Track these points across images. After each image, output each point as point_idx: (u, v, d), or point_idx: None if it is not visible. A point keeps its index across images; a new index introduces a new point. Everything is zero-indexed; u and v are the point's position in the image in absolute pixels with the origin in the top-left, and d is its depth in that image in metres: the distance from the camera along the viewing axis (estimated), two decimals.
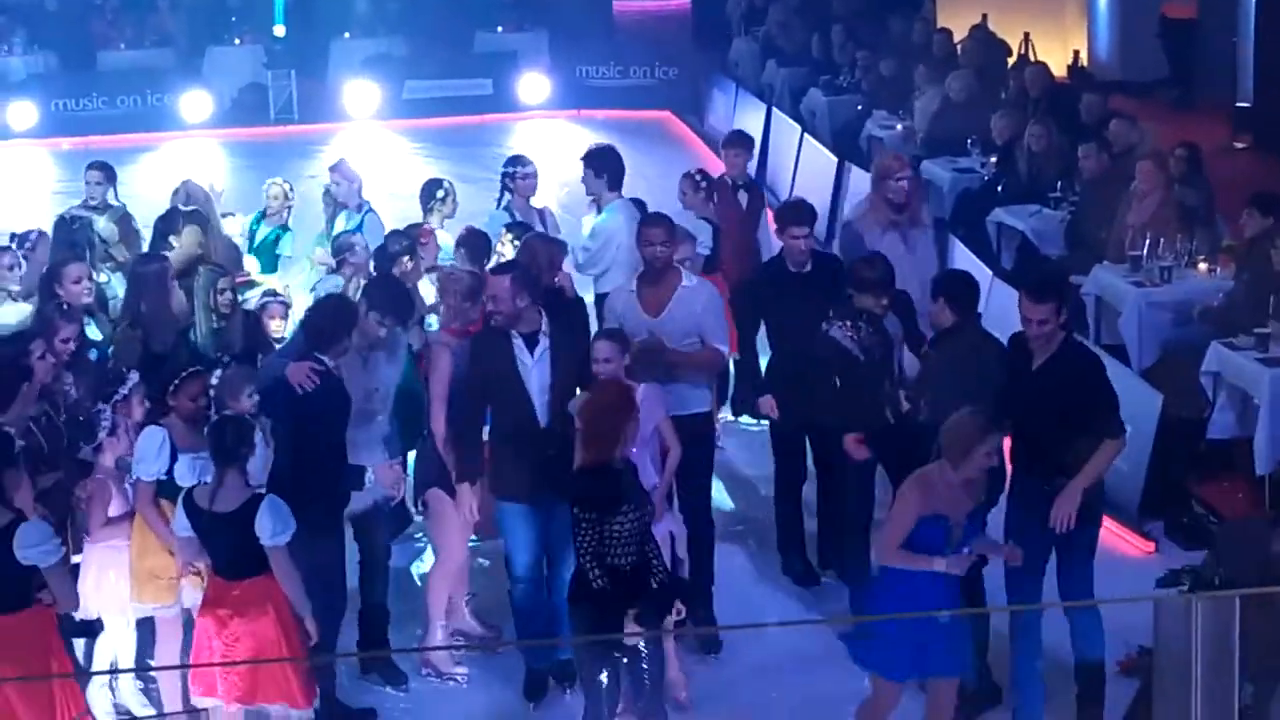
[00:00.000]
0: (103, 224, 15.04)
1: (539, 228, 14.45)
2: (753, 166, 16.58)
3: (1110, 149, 17.27)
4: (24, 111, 27.37)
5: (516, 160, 15.32)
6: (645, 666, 9.73)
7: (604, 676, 9.68)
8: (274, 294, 13.60)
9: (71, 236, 14.45)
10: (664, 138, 26.56)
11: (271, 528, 9.56)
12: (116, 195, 15.94)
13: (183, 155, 25.65)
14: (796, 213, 12.75)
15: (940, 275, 12.31)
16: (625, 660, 9.71)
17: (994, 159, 19.12)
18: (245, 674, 9.62)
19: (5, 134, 27.08)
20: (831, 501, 12.46)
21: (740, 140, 16.34)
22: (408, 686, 11.37)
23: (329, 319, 10.88)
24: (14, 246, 13.78)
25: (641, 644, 9.62)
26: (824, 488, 12.58)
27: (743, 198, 15.56)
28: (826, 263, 12.81)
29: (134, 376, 11.28)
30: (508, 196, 15.03)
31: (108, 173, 16.00)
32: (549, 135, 26.51)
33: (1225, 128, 22.48)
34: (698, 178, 15.21)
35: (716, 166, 22.41)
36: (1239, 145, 22.01)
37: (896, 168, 13.82)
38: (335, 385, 10.64)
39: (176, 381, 10.64)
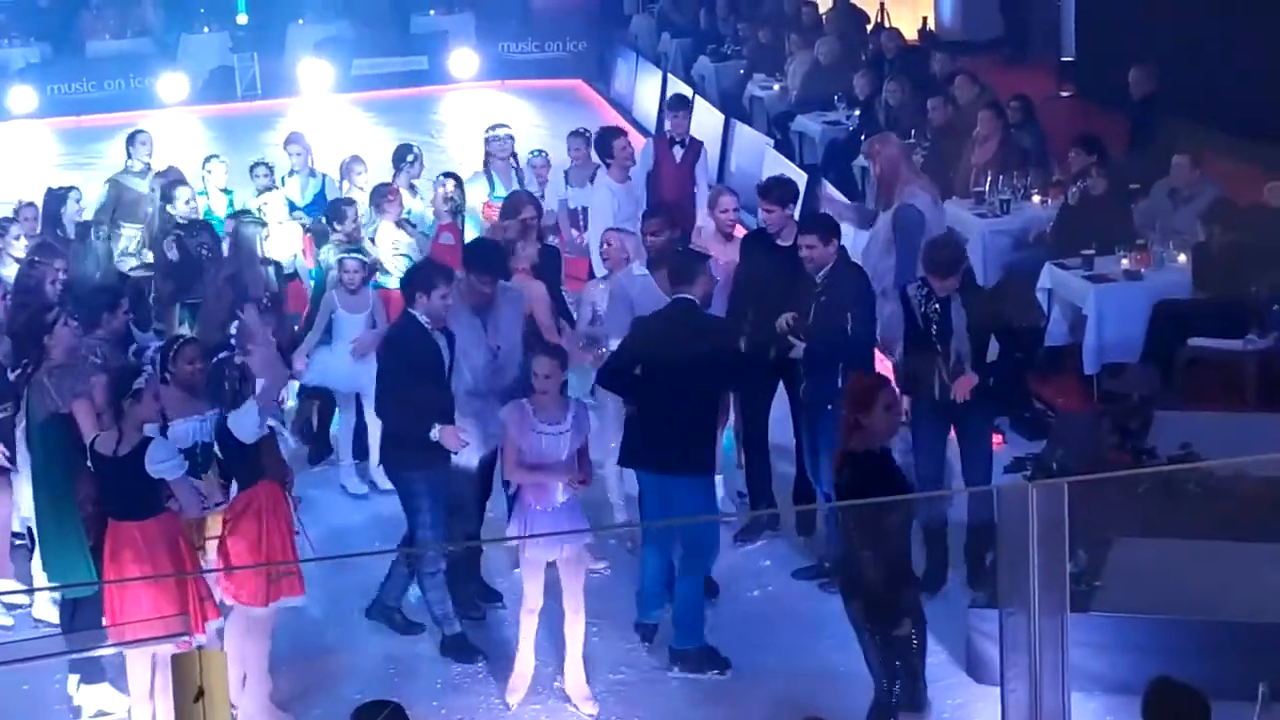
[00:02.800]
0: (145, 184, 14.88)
1: (516, 184, 14.46)
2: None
3: (955, 101, 17.35)
4: (23, 96, 26.98)
5: (494, 127, 15.20)
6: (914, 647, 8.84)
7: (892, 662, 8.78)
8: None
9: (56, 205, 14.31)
10: (577, 102, 26.48)
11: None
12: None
13: (163, 130, 25.38)
14: (765, 189, 11.86)
15: (808, 217, 12.11)
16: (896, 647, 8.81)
17: (857, 112, 19.16)
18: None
19: (6, 116, 26.77)
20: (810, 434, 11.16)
21: (682, 103, 16.40)
22: (504, 604, 10.94)
23: (408, 278, 10.62)
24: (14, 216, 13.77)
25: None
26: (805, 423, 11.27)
27: (677, 152, 15.40)
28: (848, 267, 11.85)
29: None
30: (489, 159, 14.95)
31: (145, 137, 15.79)
32: (477, 103, 26.40)
33: (1052, 79, 22.55)
34: (585, 134, 15.23)
35: (622, 126, 22.45)
36: (1064, 94, 22.09)
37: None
38: (420, 340, 10.28)
39: (173, 350, 10.32)
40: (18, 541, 11.41)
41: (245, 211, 13.92)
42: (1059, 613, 5.10)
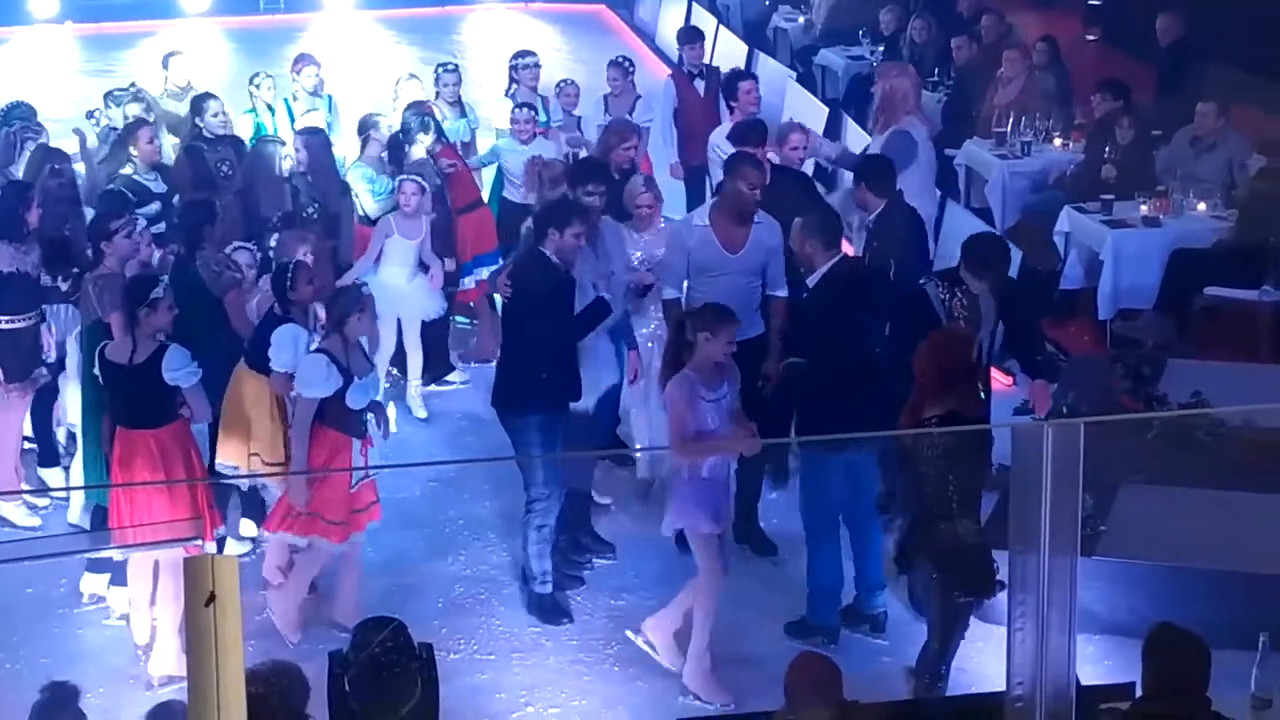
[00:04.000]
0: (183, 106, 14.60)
1: (542, 114, 14.27)
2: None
3: (980, 40, 17.28)
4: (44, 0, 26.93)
5: (522, 54, 14.96)
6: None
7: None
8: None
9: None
10: (599, 28, 26.34)
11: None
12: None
13: (183, 41, 25.33)
14: (742, 131, 11.96)
15: (857, 161, 12.03)
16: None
17: (881, 48, 19.09)
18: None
19: (29, 19, 26.63)
20: None
21: (694, 34, 16.27)
22: (615, 555, 10.74)
23: (542, 215, 10.31)
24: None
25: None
26: None
27: (699, 85, 15.35)
28: (788, 176, 11.82)
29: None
30: (514, 86, 14.81)
31: (181, 58, 15.56)
32: (500, 25, 26.30)
33: (1078, 23, 22.40)
34: (625, 64, 15.10)
35: (645, 54, 22.40)
36: (1090, 38, 21.93)
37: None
38: (550, 278, 9.89)
39: (290, 274, 10.14)
40: (28, 445, 11.50)
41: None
42: (1069, 554, 5.11)
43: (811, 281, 9.95)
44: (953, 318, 10.02)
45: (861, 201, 10.93)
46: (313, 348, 9.66)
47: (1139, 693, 6.72)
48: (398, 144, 13.16)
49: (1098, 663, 9.04)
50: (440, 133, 13.60)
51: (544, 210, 10.52)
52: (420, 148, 12.97)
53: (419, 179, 12.39)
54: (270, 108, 14.71)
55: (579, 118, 14.67)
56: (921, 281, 10.26)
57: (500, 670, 9.59)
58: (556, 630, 9.94)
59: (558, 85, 14.91)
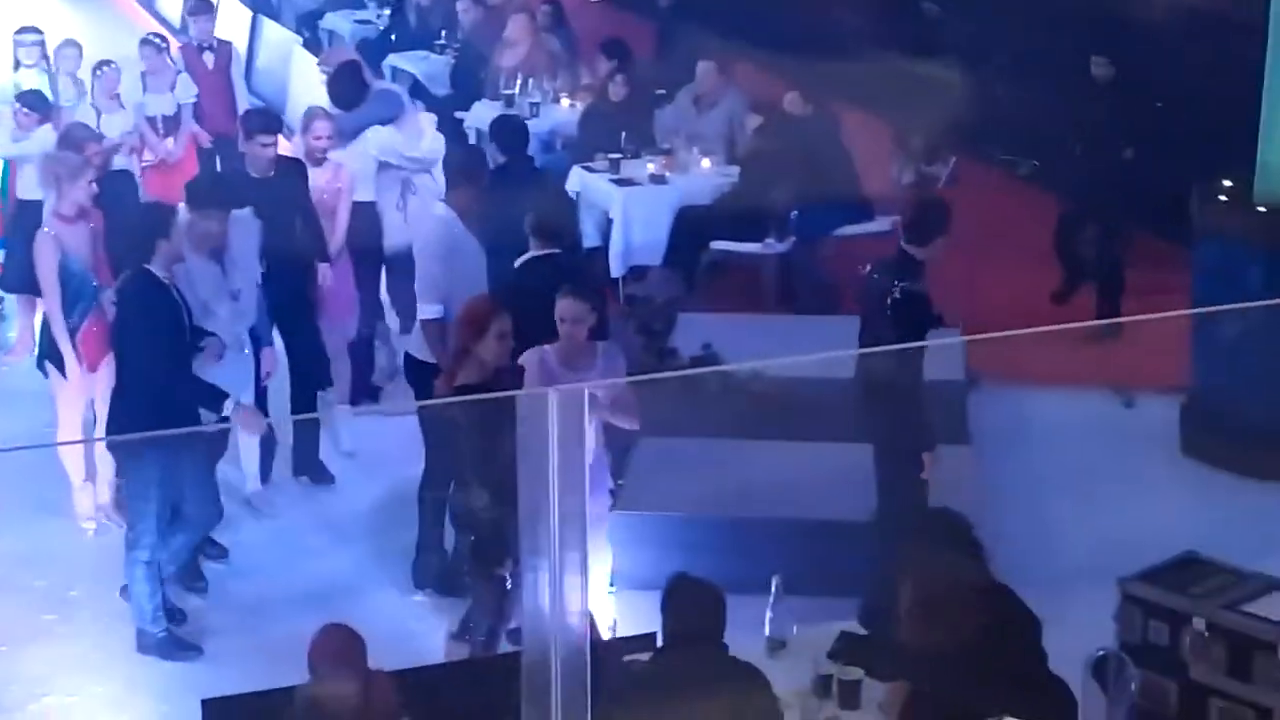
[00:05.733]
0: None
1: (49, 90, 13.60)
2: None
3: (486, 3, 17.39)
4: None
5: (25, 30, 14.14)
6: None
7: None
8: None
9: None
10: None
11: None
12: None
13: None
14: (263, 119, 11.21)
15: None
16: None
17: (388, 11, 19.09)
18: None
19: None
20: None
21: (204, 6, 15.64)
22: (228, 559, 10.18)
23: (138, 227, 9.35)
24: None
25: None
26: None
27: (209, 59, 14.95)
28: (291, 166, 11.13)
29: None
30: (18, 67, 13.99)
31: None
32: None
33: None
34: (157, 40, 14.58)
35: (145, 22, 21.82)
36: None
37: None
38: (160, 299, 9.09)
39: None
40: None
41: None
42: (580, 517, 5.20)
43: (517, 263, 9.69)
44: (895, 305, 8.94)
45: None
46: None
47: (660, 643, 6.89)
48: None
49: (623, 617, 9.22)
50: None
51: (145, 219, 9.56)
52: None
53: None
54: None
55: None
56: (905, 284, 8.95)
57: (13, 662, 9.26)
58: (70, 618, 9.62)
59: (99, 67, 13.75)
